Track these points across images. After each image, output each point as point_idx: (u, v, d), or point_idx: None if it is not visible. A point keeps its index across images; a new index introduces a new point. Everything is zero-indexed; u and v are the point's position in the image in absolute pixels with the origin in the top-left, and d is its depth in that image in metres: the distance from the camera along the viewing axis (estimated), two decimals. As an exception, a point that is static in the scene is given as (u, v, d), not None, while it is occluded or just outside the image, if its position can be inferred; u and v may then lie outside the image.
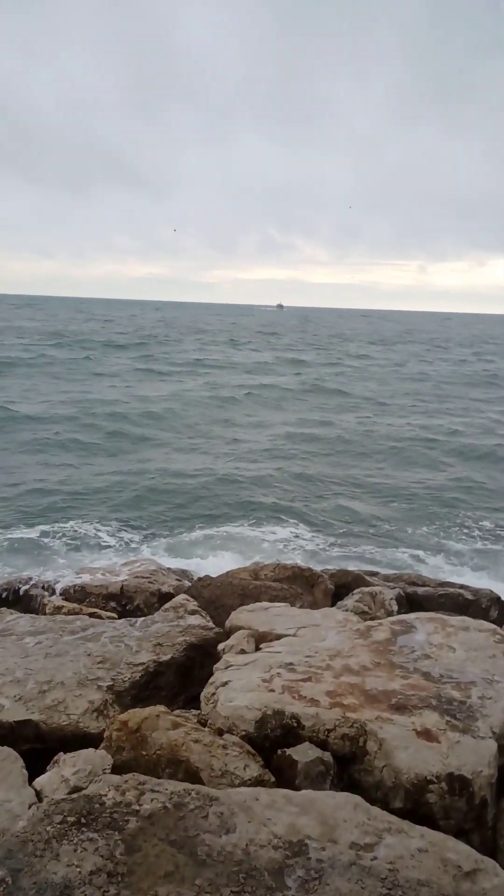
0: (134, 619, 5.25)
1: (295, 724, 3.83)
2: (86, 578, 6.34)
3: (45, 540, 12.94)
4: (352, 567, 11.39)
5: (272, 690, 4.05)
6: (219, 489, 16.39)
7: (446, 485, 17.41)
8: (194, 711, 4.42)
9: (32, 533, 13.27)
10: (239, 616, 5.30)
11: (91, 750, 3.60)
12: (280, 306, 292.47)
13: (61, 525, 13.86)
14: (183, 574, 7.82)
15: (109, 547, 13.23)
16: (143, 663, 4.52)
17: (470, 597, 6.81)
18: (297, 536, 13.79)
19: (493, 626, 5.13)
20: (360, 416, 26.70)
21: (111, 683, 4.29)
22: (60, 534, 13.42)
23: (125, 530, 14.06)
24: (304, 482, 17.27)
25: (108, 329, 74.88)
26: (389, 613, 6.43)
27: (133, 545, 13.29)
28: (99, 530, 13.64)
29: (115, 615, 5.73)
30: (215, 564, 12.04)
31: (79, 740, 3.89)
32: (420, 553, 12.91)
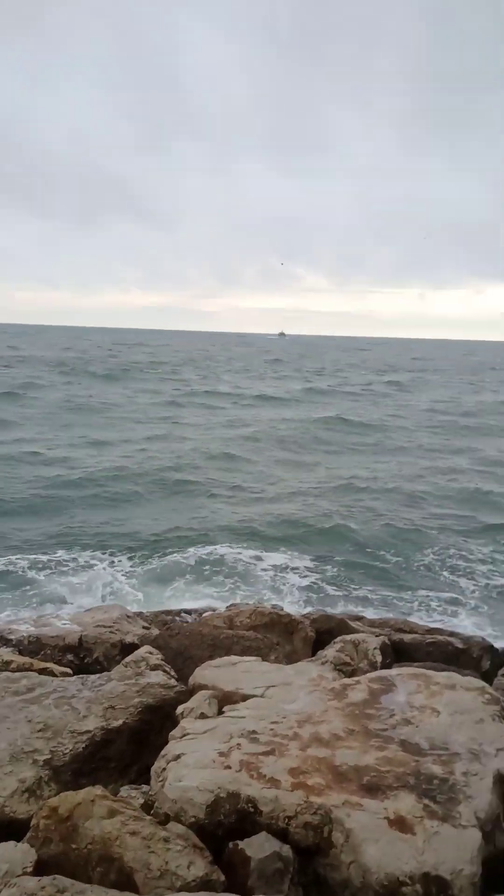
0: (87, 677, 4.77)
1: (251, 810, 3.35)
2: (44, 628, 5.85)
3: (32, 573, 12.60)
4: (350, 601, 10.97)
5: (228, 767, 3.57)
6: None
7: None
8: (145, 788, 3.94)
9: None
10: (203, 673, 4.82)
11: (11, 844, 3.11)
12: (282, 334, 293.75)
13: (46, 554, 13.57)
14: (154, 618, 7.34)
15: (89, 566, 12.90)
16: (90, 731, 4.03)
17: (460, 645, 6.33)
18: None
19: (481, 683, 4.65)
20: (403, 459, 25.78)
21: (49, 757, 3.81)
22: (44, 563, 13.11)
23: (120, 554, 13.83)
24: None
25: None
26: (373, 664, 5.95)
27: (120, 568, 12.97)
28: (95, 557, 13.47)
29: (70, 670, 5.25)
30: (199, 597, 11.62)
31: (3, 829, 3.40)
32: (418, 590, 12.46)
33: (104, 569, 13.10)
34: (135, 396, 41.17)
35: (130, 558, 13.77)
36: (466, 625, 10.55)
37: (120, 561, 13.61)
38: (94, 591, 11.99)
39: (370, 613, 11.06)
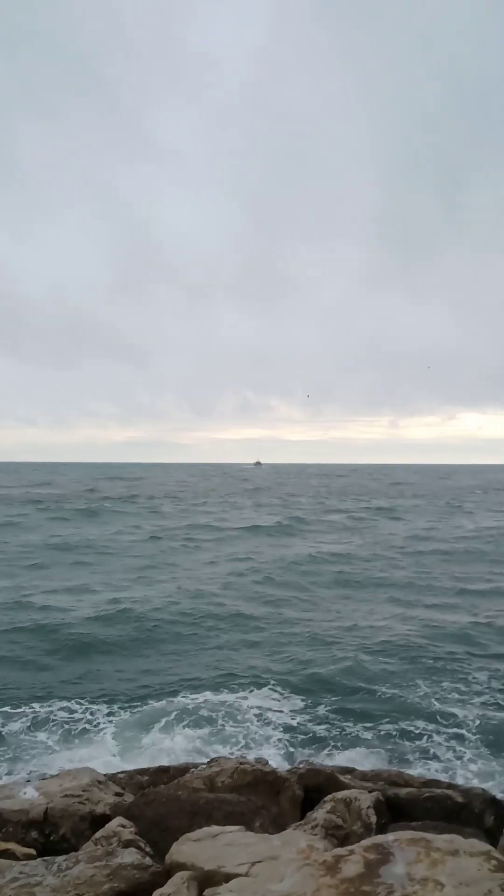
0: (53, 859, 4.27)
1: None
2: (5, 801, 5.28)
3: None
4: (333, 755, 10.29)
5: None
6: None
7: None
8: None
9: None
10: (181, 849, 4.36)
11: None
12: (258, 463, 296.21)
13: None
14: (129, 781, 6.76)
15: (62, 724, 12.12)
16: (53, 929, 3.56)
17: (460, 799, 5.86)
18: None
19: (486, 847, 4.25)
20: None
21: None
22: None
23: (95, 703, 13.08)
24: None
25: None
26: (367, 826, 5.47)
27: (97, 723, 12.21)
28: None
29: (34, 851, 4.71)
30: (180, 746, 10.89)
31: None
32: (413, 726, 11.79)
33: (80, 720, 12.34)
34: (115, 535, 40.53)
35: (109, 707, 13.02)
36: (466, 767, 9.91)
37: (98, 711, 12.85)
38: (69, 743, 11.24)
39: (363, 754, 10.43)
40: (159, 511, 56.53)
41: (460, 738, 11.42)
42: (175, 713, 12.63)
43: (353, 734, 11.65)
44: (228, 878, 4.03)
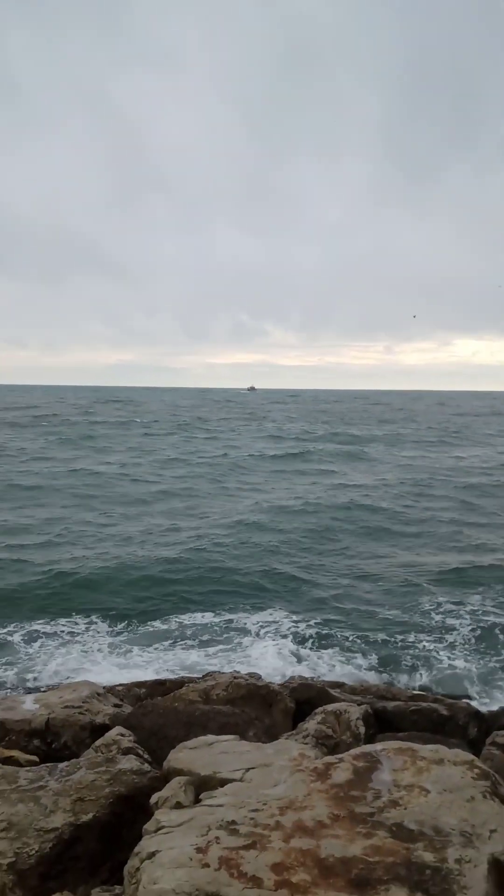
0: (55, 765, 4.48)
1: (232, 914, 3.10)
2: (8, 712, 5.52)
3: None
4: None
5: (206, 865, 3.33)
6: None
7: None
8: (118, 889, 3.67)
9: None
10: (179, 756, 4.56)
11: None
12: (252, 388, 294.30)
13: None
14: (127, 693, 7.02)
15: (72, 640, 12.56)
16: (57, 829, 3.76)
17: (445, 712, 6.12)
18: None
19: (470, 757, 4.45)
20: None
21: (13, 860, 3.52)
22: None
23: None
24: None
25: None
26: (356, 736, 5.72)
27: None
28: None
29: (36, 758, 4.94)
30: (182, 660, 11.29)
31: None
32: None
33: (81, 637, 12.76)
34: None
35: (110, 625, 13.46)
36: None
37: (98, 627, 13.29)
38: (69, 657, 11.62)
39: (356, 668, 10.80)
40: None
41: (452, 650, 11.83)
42: (177, 630, 13.06)
43: (347, 650, 12.06)
44: (223, 782, 4.22)
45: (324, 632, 13.14)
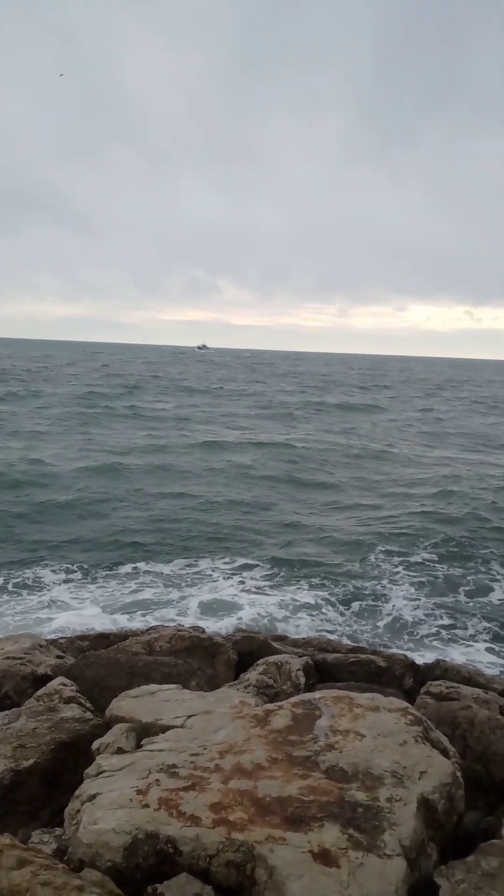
0: (-4, 714, 4.49)
1: (171, 850, 3.18)
2: None
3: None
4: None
5: (146, 806, 3.40)
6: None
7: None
8: (58, 831, 3.72)
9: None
10: (120, 704, 4.61)
11: None
12: (203, 346, 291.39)
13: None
14: (70, 645, 7.05)
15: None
16: (-3, 774, 3.78)
17: (382, 664, 6.33)
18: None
19: (404, 704, 4.62)
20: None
21: (-48, 804, 3.54)
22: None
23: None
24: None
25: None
26: (296, 686, 5.87)
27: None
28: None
29: (-24, 707, 4.95)
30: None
31: None
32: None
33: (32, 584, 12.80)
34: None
35: (67, 573, 13.55)
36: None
37: (50, 573, 13.36)
38: (21, 604, 11.61)
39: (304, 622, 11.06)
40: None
41: (395, 602, 12.20)
42: (137, 578, 13.20)
43: (299, 604, 12.34)
44: (165, 729, 4.30)
45: (283, 582, 13.46)
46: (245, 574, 13.98)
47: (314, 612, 11.94)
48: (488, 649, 10.75)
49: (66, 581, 13.16)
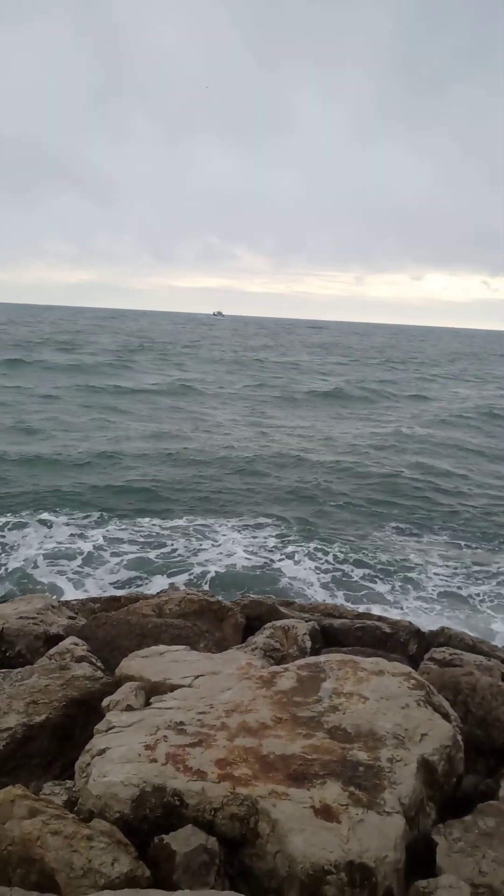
0: (9, 671, 4.62)
1: (177, 803, 3.30)
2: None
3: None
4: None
5: (154, 760, 3.51)
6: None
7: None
8: (69, 783, 3.85)
9: None
10: (130, 664, 4.73)
11: None
12: (219, 313, 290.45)
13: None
14: (81, 607, 7.19)
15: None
16: (10, 728, 3.90)
17: (388, 630, 6.43)
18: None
19: (407, 669, 4.71)
20: None
21: (-33, 756, 3.67)
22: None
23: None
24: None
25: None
26: (302, 650, 5.98)
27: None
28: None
29: (-10, 664, 5.08)
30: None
31: None
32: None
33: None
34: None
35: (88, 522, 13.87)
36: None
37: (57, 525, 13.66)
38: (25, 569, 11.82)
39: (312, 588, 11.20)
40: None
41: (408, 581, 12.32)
42: (145, 542, 13.41)
43: (309, 569, 12.51)
44: (173, 688, 4.41)
45: (294, 546, 13.63)
46: (271, 532, 14.17)
47: (327, 579, 12.10)
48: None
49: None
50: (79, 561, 12.36)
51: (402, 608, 11.01)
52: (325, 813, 3.17)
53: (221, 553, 13.14)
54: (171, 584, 10.58)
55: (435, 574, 12.73)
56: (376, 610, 9.67)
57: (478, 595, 11.76)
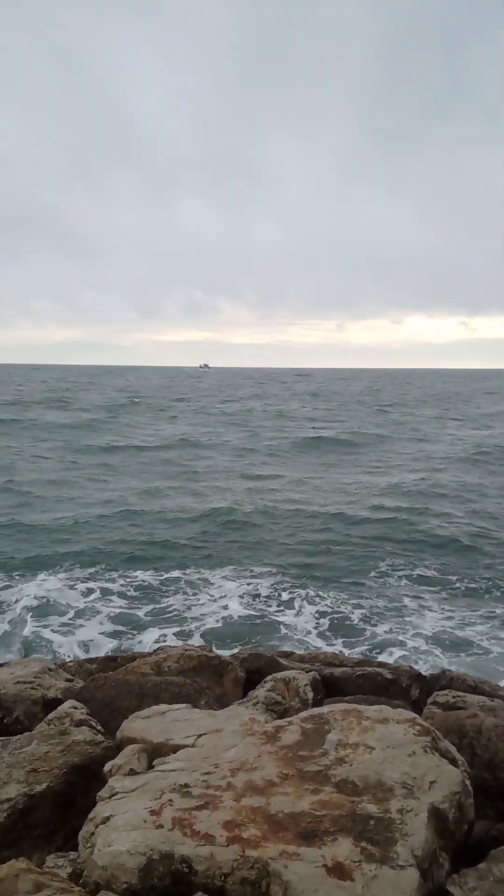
0: (7, 739, 4.52)
1: (186, 870, 3.22)
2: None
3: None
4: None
5: (160, 826, 3.43)
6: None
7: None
8: (73, 855, 3.75)
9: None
10: (131, 725, 4.65)
11: None
12: (205, 366, 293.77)
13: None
14: (79, 668, 7.08)
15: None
16: (11, 799, 3.81)
17: (389, 676, 6.37)
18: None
19: (412, 715, 4.66)
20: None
21: (-32, 831, 3.57)
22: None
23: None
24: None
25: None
26: (304, 701, 5.91)
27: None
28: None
29: (-11, 733, 4.97)
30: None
31: None
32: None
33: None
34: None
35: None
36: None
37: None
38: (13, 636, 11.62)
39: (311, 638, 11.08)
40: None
41: (401, 617, 12.21)
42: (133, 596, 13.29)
43: (305, 615, 12.40)
44: (176, 749, 4.33)
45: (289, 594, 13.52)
46: (265, 581, 14.04)
47: (321, 620, 11.99)
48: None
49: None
50: (73, 616, 12.25)
51: (402, 651, 10.90)
52: (338, 871, 3.10)
53: (217, 605, 13.03)
54: (168, 641, 10.46)
55: (432, 615, 12.65)
56: (380, 655, 9.58)
57: (476, 635, 11.69)
